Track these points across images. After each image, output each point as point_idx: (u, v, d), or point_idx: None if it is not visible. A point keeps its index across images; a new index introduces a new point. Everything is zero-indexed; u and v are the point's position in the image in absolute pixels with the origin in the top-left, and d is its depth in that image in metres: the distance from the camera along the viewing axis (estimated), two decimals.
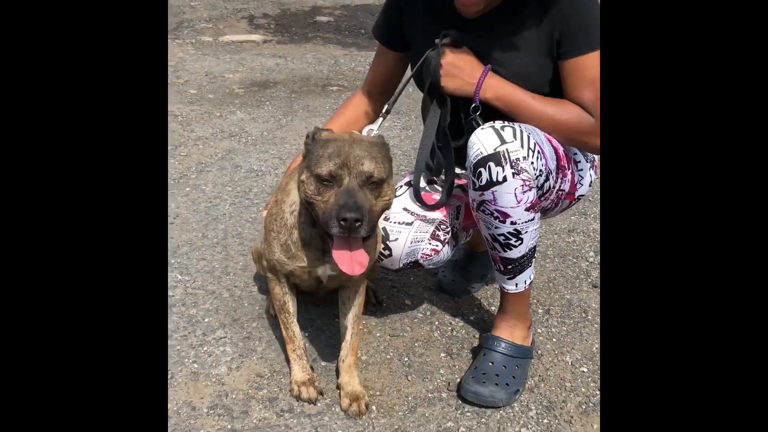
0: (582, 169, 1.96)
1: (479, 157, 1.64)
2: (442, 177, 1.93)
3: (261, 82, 4.63)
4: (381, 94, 2.11)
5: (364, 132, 1.83)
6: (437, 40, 1.77)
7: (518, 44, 1.77)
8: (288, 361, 1.87)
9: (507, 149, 1.62)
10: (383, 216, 1.85)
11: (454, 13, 1.81)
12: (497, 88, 1.74)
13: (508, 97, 1.74)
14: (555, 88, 1.80)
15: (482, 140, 1.65)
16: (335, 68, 5.07)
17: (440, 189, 1.94)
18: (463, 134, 1.79)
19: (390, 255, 1.88)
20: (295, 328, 1.85)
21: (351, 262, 1.51)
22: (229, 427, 1.69)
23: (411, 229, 1.86)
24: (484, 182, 1.66)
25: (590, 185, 2.02)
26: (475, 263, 2.34)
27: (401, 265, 1.90)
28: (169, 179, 3.03)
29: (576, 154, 1.92)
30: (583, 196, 2.02)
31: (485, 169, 1.64)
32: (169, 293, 2.21)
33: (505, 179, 1.63)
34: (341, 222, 1.44)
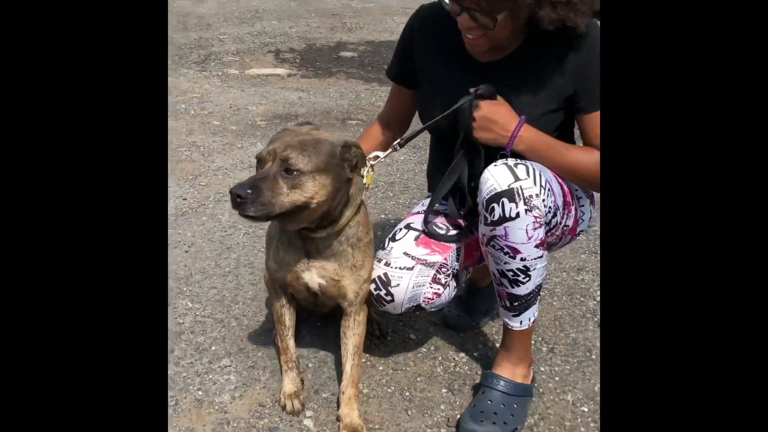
0: (583, 205, 1.99)
1: (492, 193, 1.68)
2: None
3: (283, 114, 4.73)
4: (399, 124, 2.18)
5: (370, 156, 1.87)
6: (471, 91, 1.78)
7: (536, 91, 1.82)
8: (281, 371, 1.94)
9: (521, 186, 1.66)
10: (383, 262, 1.89)
11: (469, 56, 1.87)
12: (529, 141, 1.77)
13: (539, 146, 1.78)
14: (562, 137, 1.87)
15: (496, 176, 1.68)
16: (356, 102, 5.16)
17: (440, 228, 1.96)
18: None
19: (392, 300, 1.90)
20: (290, 341, 1.92)
21: None
22: None
23: (412, 274, 1.88)
24: (496, 217, 1.69)
25: (590, 219, 2.05)
26: (478, 298, 2.36)
27: (403, 310, 1.92)
28: (187, 208, 3.10)
29: (577, 190, 1.95)
30: (583, 231, 2.05)
31: (498, 204, 1.67)
32: (179, 321, 2.26)
33: (518, 215, 1.66)
34: (230, 194, 1.50)
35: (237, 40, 6.89)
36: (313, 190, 1.56)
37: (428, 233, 1.93)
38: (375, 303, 1.93)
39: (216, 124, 4.40)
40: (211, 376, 2.01)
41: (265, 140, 4.13)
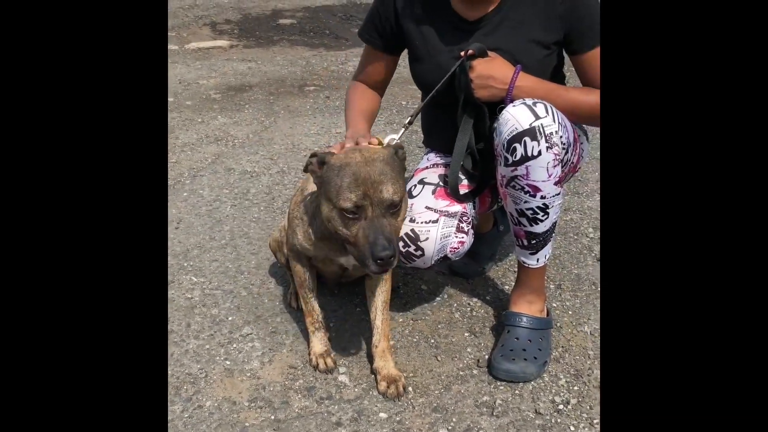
0: (582, 142, 2.04)
1: (514, 133, 1.70)
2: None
3: (237, 86, 4.63)
4: (378, 87, 2.17)
5: (386, 141, 1.80)
6: (462, 54, 1.79)
7: (526, 40, 1.85)
8: (308, 334, 1.94)
9: (542, 124, 1.68)
10: (408, 218, 1.89)
11: (454, 14, 1.88)
12: (528, 89, 1.79)
13: (539, 92, 1.79)
14: (555, 78, 1.91)
15: (516, 116, 1.70)
16: (308, 69, 5.09)
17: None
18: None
19: (422, 255, 1.90)
20: (314, 302, 1.92)
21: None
22: (272, 417, 1.72)
23: (438, 226, 1.89)
24: (518, 157, 1.71)
25: (587, 155, 2.11)
26: (481, 244, 2.40)
27: (433, 263, 1.93)
28: None
29: (576, 127, 2.00)
30: (580, 167, 2.11)
31: (520, 144, 1.69)
32: (188, 295, 2.22)
33: (540, 153, 1.69)
34: (378, 261, 1.50)
35: (170, 15, 6.65)
36: (405, 208, 1.63)
37: (456, 196, 1.93)
38: (404, 260, 1.93)
39: (170, 101, 4.27)
40: (234, 345, 1.99)
41: (223, 113, 4.05)
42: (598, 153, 3.41)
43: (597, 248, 2.54)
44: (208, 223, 2.70)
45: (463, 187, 1.97)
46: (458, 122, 1.89)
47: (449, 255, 1.92)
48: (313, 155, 1.64)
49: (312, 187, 1.74)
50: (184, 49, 5.71)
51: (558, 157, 1.74)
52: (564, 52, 1.96)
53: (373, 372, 1.86)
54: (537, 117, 1.70)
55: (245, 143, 3.59)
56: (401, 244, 1.88)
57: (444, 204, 1.92)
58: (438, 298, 2.24)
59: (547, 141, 1.70)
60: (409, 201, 1.93)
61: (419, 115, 2.22)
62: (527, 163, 1.72)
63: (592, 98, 1.84)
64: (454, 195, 1.92)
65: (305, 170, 1.67)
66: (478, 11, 1.86)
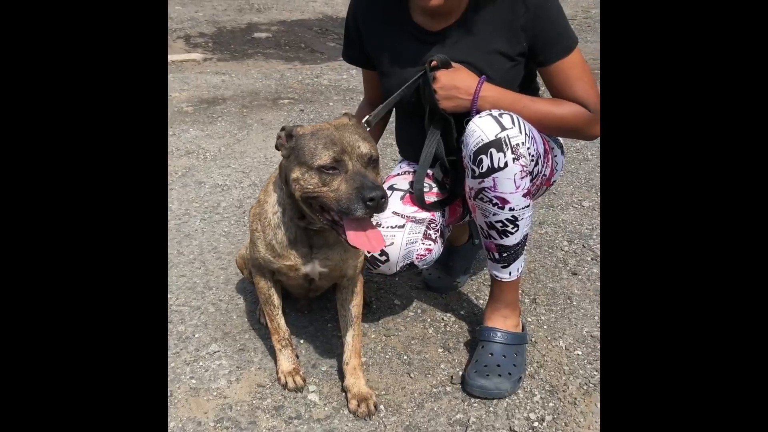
0: (556, 155, 2.02)
1: (480, 144, 1.67)
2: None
3: (209, 99, 4.56)
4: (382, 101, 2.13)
5: None
6: (426, 66, 1.78)
7: (490, 52, 1.81)
8: (274, 352, 1.88)
9: (508, 135, 1.65)
10: (374, 222, 1.85)
11: (416, 27, 1.85)
12: (493, 99, 1.76)
13: (504, 103, 1.77)
14: (526, 91, 1.88)
15: (482, 127, 1.67)
16: (282, 82, 5.05)
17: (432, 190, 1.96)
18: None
19: (387, 260, 1.87)
20: (280, 319, 1.86)
21: (370, 241, 1.52)
22: None
23: (404, 232, 1.86)
24: (485, 169, 1.68)
25: (562, 168, 2.09)
26: (456, 257, 2.37)
27: (398, 269, 1.90)
28: None
29: (549, 140, 1.98)
30: (555, 181, 2.08)
31: (486, 155, 1.66)
32: None
33: (506, 165, 1.66)
34: (368, 203, 1.44)
35: None
36: (379, 172, 1.58)
37: (422, 205, 1.91)
38: (369, 265, 1.89)
39: None
40: (201, 363, 1.92)
41: (195, 126, 3.99)
42: (572, 166, 3.41)
43: (572, 262, 2.51)
44: (177, 237, 2.63)
45: (432, 195, 1.94)
46: (426, 133, 1.87)
47: (416, 262, 1.88)
48: (282, 129, 1.61)
49: (272, 200, 1.68)
50: None
51: (526, 169, 1.71)
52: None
53: (344, 390, 1.81)
54: (503, 128, 1.67)
55: (217, 156, 3.52)
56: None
57: (412, 210, 1.89)
58: (411, 313, 2.20)
59: (513, 152, 1.67)
60: (373, 223, 1.89)
61: (395, 128, 2.20)
62: (494, 175, 1.69)
63: (560, 110, 1.82)
64: (419, 202, 1.89)
65: (276, 147, 1.63)
66: (440, 23, 1.83)
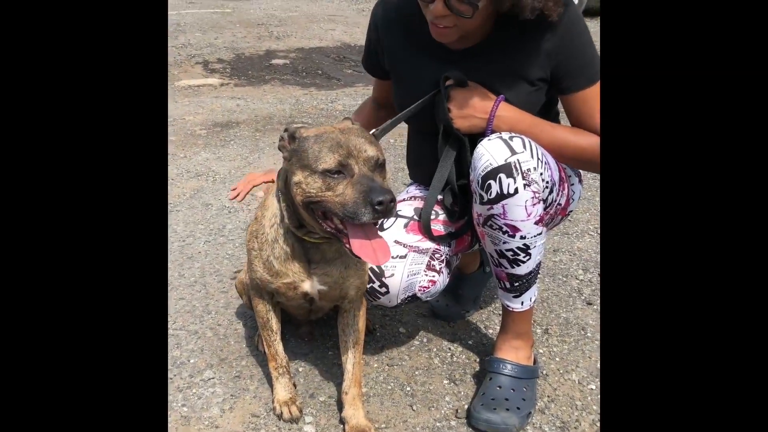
0: (573, 183, 1.93)
1: (489, 169, 1.58)
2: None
3: (223, 122, 4.54)
4: (390, 107, 2.06)
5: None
6: (441, 82, 1.71)
7: (511, 76, 1.73)
8: (270, 379, 1.79)
9: (518, 160, 1.56)
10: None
11: (437, 45, 1.76)
12: (510, 120, 1.68)
13: (522, 125, 1.68)
14: (545, 117, 1.78)
15: (491, 151, 1.58)
16: (297, 107, 5.02)
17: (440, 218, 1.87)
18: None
19: (387, 292, 1.78)
20: (278, 345, 1.77)
21: (375, 252, 1.42)
22: None
23: (406, 262, 1.77)
24: (493, 195, 1.59)
25: (579, 199, 1.99)
26: (465, 285, 2.28)
27: (399, 302, 1.80)
28: None
29: (566, 168, 1.89)
30: (572, 211, 1.98)
31: (495, 181, 1.57)
32: None
33: (516, 191, 1.57)
34: (377, 206, 1.34)
35: None
36: (386, 176, 1.49)
37: (429, 236, 1.82)
38: (368, 297, 1.80)
39: None
40: (194, 390, 1.84)
41: (207, 149, 3.96)
42: (589, 193, 3.31)
43: (587, 291, 2.40)
44: (179, 259, 2.57)
45: (439, 223, 1.85)
46: (439, 154, 1.78)
47: (418, 294, 1.79)
48: (285, 130, 1.52)
49: (269, 213, 1.61)
50: (174, 86, 5.65)
51: (538, 195, 1.61)
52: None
53: (342, 421, 1.71)
54: (513, 152, 1.58)
55: (226, 179, 3.47)
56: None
57: (415, 239, 1.80)
58: (417, 342, 2.10)
59: (524, 178, 1.58)
60: (379, 233, 1.82)
61: (406, 148, 2.13)
62: (503, 202, 1.60)
63: (580, 140, 1.72)
64: (426, 232, 1.80)
65: (279, 148, 1.54)
66: (461, 43, 1.75)
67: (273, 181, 1.82)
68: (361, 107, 2.17)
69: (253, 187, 1.77)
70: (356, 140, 1.42)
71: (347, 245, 1.43)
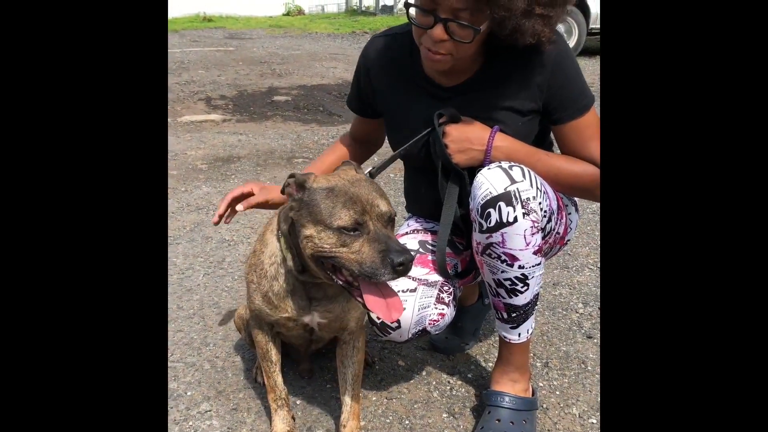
0: (570, 212, 1.93)
1: (488, 197, 1.59)
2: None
3: (224, 157, 4.58)
4: (368, 143, 2.10)
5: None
6: (435, 121, 1.72)
7: (503, 109, 1.74)
8: (268, 412, 1.77)
9: (518, 188, 1.57)
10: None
11: (429, 81, 1.79)
12: (507, 150, 1.69)
13: (519, 155, 1.70)
14: (539, 146, 1.80)
15: (491, 180, 1.60)
16: (298, 142, 5.07)
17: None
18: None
19: (398, 327, 1.76)
20: (278, 377, 1.75)
21: (388, 308, 1.41)
22: None
23: (416, 296, 1.77)
24: (492, 223, 1.60)
25: (576, 228, 1.99)
26: (465, 318, 2.27)
27: (410, 336, 1.79)
28: None
29: (563, 197, 1.90)
30: (570, 240, 1.99)
31: (495, 209, 1.58)
32: None
33: (515, 220, 1.58)
34: (397, 268, 1.34)
35: None
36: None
37: (444, 275, 1.82)
38: (379, 332, 1.79)
39: None
40: (190, 423, 1.82)
41: (208, 183, 3.98)
42: (588, 228, 3.32)
43: (587, 325, 2.39)
44: (178, 291, 2.56)
45: (446, 256, 1.85)
46: (440, 192, 1.78)
47: (428, 328, 1.78)
48: (291, 176, 1.50)
49: (269, 250, 1.61)
50: (176, 122, 5.71)
51: (537, 225, 1.62)
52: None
53: None
54: (513, 181, 1.59)
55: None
56: (375, 315, 1.74)
57: (423, 272, 1.80)
58: (416, 375, 2.09)
59: (523, 207, 1.58)
60: (392, 288, 1.81)
61: (403, 183, 2.14)
62: (502, 230, 1.60)
63: (575, 167, 1.73)
64: (442, 274, 1.80)
65: (282, 192, 1.53)
66: (452, 80, 1.77)
67: (260, 203, 1.82)
68: (338, 143, 2.14)
69: (233, 199, 1.73)
70: (368, 194, 1.42)
71: (359, 299, 1.42)
